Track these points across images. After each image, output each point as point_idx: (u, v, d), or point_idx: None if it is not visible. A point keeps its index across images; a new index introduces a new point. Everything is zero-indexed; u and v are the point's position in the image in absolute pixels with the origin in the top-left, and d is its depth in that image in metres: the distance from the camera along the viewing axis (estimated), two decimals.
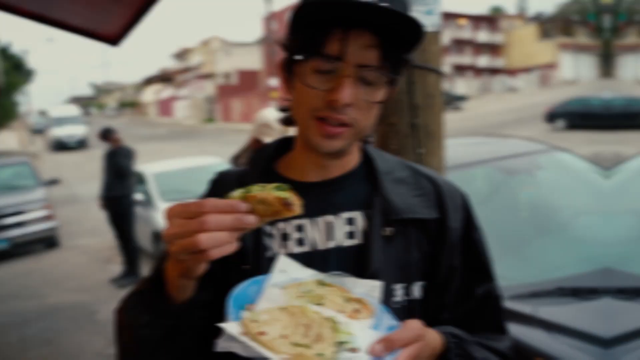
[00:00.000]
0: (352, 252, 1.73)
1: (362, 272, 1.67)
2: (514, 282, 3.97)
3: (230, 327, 1.36)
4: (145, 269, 12.45)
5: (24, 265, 14.57)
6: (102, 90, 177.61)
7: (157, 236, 12.25)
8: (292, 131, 1.90)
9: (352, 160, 1.84)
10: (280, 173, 1.87)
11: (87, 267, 13.77)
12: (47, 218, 15.66)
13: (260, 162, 1.89)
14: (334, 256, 1.73)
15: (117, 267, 13.15)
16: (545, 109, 37.35)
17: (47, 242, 16.05)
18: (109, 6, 5.42)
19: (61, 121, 55.86)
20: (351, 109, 1.60)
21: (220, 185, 1.90)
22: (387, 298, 1.67)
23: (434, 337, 1.57)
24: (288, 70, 1.73)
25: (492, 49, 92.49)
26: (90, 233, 17.94)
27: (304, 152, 1.79)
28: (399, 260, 1.72)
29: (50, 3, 6.02)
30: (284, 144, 1.95)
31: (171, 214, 1.39)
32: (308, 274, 1.62)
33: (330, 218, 1.76)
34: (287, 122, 1.89)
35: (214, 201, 1.35)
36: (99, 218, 19.66)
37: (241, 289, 1.51)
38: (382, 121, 2.84)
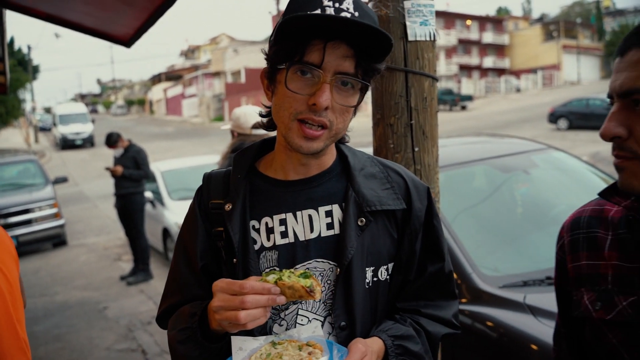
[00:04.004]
0: (331, 241, 1.97)
1: (340, 258, 1.92)
2: (507, 273, 4.19)
3: None
4: (155, 266, 12.67)
5: (31, 263, 14.53)
6: (109, 88, 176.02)
7: (166, 233, 12.46)
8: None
9: (329, 159, 2.07)
10: (262, 172, 2.09)
11: (96, 265, 13.83)
12: (54, 216, 15.59)
13: (243, 162, 2.09)
14: (314, 246, 1.97)
15: (126, 264, 13.34)
16: (549, 109, 37.47)
17: (55, 240, 15.99)
18: (122, 9, 5.53)
19: (67, 119, 55.65)
20: (329, 112, 1.82)
21: (209, 185, 2.12)
22: (359, 280, 1.94)
23: (377, 345, 1.89)
24: (270, 77, 1.95)
25: (498, 49, 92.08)
26: (98, 231, 18.12)
27: (285, 152, 2.00)
28: (371, 246, 1.98)
29: (65, 5, 6.17)
30: (265, 145, 2.17)
31: (217, 289, 1.76)
32: (261, 342, 1.88)
33: (311, 212, 1.99)
34: (267, 126, 2.10)
35: (252, 284, 1.70)
36: (106, 216, 19.84)
37: None
38: (382, 122, 3.08)
